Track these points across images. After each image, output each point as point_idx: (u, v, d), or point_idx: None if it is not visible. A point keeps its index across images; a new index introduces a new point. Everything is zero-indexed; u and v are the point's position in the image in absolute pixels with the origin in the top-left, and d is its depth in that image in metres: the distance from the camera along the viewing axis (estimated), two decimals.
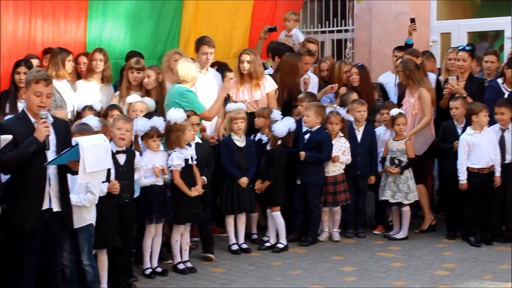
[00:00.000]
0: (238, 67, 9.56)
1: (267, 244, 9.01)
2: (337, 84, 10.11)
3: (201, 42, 9.39)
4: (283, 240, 8.95)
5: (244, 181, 8.76)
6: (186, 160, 8.04)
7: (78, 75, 9.54)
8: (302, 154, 9.01)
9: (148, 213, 7.81)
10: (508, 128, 9.10)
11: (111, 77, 9.58)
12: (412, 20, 11.12)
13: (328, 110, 9.30)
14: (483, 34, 13.10)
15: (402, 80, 9.65)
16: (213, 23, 11.20)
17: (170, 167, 7.93)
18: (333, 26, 13.75)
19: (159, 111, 8.72)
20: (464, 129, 9.13)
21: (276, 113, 9.05)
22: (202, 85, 9.13)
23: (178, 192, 8.01)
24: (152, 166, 7.84)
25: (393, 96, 10.29)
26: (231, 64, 10.39)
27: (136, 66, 9.21)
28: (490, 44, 12.89)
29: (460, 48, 9.93)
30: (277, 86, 9.66)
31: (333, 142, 9.17)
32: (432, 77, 10.11)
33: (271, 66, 10.47)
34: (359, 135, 9.53)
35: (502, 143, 9.08)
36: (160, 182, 7.90)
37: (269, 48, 10.67)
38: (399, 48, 10.72)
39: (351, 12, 13.54)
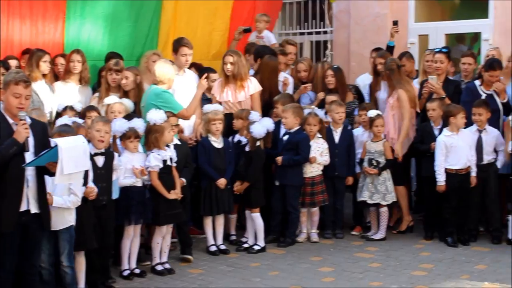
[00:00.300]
0: (222, 69, 9.56)
1: (245, 245, 9.03)
2: (310, 84, 10.14)
3: (180, 43, 9.34)
4: (261, 242, 8.96)
5: (222, 182, 8.75)
6: (165, 161, 8.03)
7: (56, 76, 9.51)
8: (279, 159, 9.03)
9: (127, 214, 7.79)
10: (485, 129, 9.17)
11: (89, 79, 9.55)
12: (395, 23, 11.09)
13: (306, 111, 9.33)
14: (460, 36, 13.16)
15: (385, 80, 9.69)
16: (192, 24, 11.19)
17: (147, 168, 7.92)
18: (311, 28, 13.77)
19: (137, 112, 8.69)
20: (440, 131, 9.20)
21: (255, 115, 9.06)
22: (180, 86, 9.10)
23: (156, 193, 8.00)
24: (131, 167, 7.83)
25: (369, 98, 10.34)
26: (210, 65, 10.39)
27: (115, 67, 9.16)
28: (470, 46, 12.95)
29: (437, 50, 10.00)
30: (261, 88, 9.63)
31: (311, 143, 9.19)
32: None
33: (252, 68, 10.45)
34: (337, 136, 9.54)
35: (479, 144, 9.14)
36: (139, 183, 7.89)
37: (248, 50, 10.66)
38: (377, 50, 10.75)
39: (329, 14, 13.56)
